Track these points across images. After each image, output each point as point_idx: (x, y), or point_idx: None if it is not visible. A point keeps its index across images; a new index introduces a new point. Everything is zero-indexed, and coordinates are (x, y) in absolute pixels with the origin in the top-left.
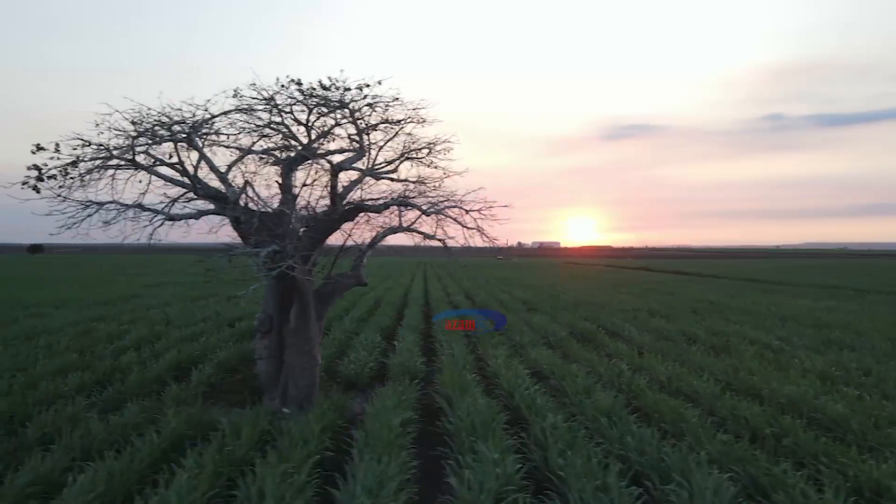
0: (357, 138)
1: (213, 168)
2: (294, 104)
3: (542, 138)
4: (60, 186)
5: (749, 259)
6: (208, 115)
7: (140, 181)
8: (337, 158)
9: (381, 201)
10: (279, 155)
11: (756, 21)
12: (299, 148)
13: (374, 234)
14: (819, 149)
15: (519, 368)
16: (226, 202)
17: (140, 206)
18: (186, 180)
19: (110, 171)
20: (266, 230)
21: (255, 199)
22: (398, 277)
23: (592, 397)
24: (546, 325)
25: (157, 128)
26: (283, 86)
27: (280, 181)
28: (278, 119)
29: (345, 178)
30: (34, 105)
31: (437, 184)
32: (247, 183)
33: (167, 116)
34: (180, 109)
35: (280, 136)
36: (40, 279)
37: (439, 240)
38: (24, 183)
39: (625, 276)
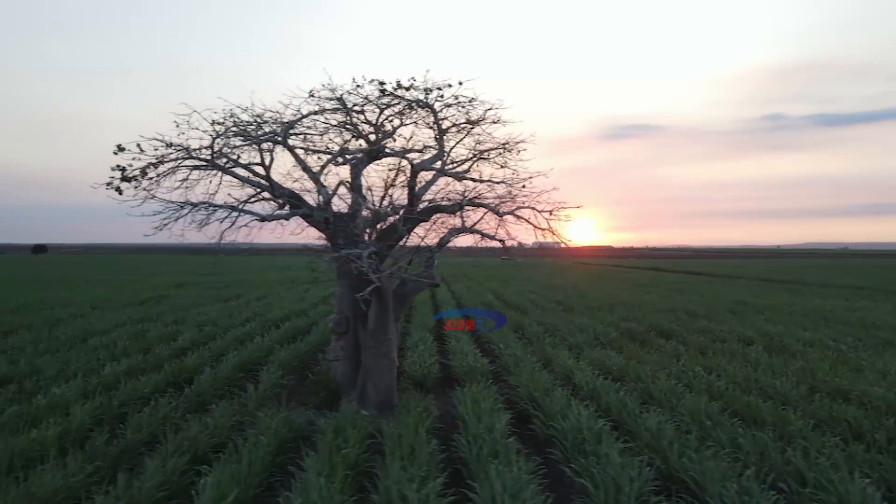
0: (437, 138)
1: (305, 168)
2: (366, 104)
3: (542, 138)
4: (136, 187)
5: (752, 259)
6: (298, 116)
7: (210, 182)
8: (409, 159)
9: (448, 202)
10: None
11: (756, 21)
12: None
13: (437, 235)
14: (819, 149)
15: (587, 369)
16: (301, 203)
17: (233, 208)
18: (261, 181)
19: (186, 172)
20: (348, 232)
21: (356, 199)
22: None
23: (682, 400)
24: (593, 326)
25: (249, 128)
26: (358, 86)
27: (349, 181)
28: (352, 119)
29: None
30: (34, 105)
31: (523, 184)
32: (341, 183)
33: (258, 117)
34: (268, 110)
35: (353, 136)
36: (62, 279)
37: (499, 240)
38: (108, 184)
39: (639, 275)
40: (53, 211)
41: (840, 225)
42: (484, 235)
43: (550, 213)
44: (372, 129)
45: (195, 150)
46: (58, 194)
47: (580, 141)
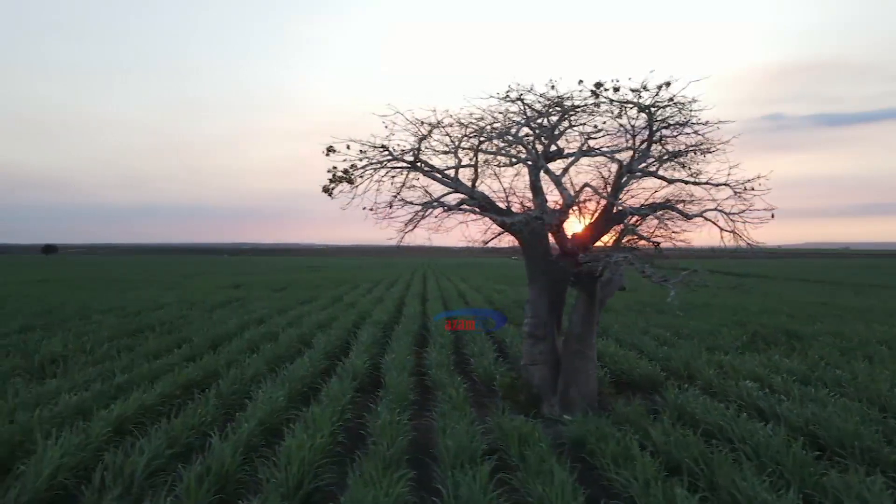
0: (648, 139)
1: (547, 171)
2: (551, 106)
3: None
4: (334, 188)
5: (757, 258)
6: (534, 117)
7: (392, 183)
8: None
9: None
10: (618, 158)
11: (756, 21)
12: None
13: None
14: (819, 149)
15: (765, 372)
16: (492, 206)
17: (480, 211)
18: (451, 182)
19: (385, 172)
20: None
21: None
22: (461, 279)
23: None
24: (713, 328)
25: (506, 129)
26: (552, 86)
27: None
28: (530, 121)
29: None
30: (34, 105)
31: (752, 187)
32: (585, 185)
33: (505, 116)
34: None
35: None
36: (116, 281)
37: (654, 243)
38: (324, 189)
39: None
40: (52, 211)
41: (840, 225)
42: (640, 237)
43: (739, 216)
44: (548, 131)
45: (400, 152)
46: (58, 194)
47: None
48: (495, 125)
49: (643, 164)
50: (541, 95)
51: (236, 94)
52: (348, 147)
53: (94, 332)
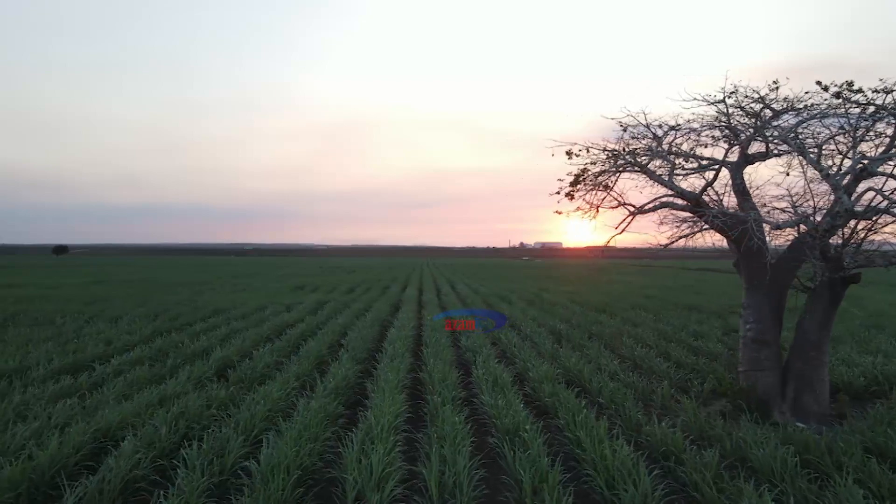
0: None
1: (827, 178)
2: (762, 108)
3: (543, 138)
4: (571, 193)
5: None
6: (800, 110)
7: (606, 193)
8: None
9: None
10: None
11: (756, 21)
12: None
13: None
14: None
15: None
16: (704, 209)
17: (725, 216)
18: (672, 186)
19: (608, 176)
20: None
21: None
22: (499, 280)
23: None
24: (857, 333)
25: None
26: (776, 87)
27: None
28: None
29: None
30: (34, 105)
31: None
32: (869, 189)
33: (740, 108)
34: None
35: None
36: (186, 284)
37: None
38: (559, 191)
39: (698, 276)
40: (53, 211)
41: None
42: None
43: None
44: (751, 132)
45: (629, 154)
46: (58, 194)
47: (581, 140)
48: (697, 128)
49: (882, 167)
50: (759, 98)
51: (236, 94)
52: (588, 150)
53: (234, 336)
